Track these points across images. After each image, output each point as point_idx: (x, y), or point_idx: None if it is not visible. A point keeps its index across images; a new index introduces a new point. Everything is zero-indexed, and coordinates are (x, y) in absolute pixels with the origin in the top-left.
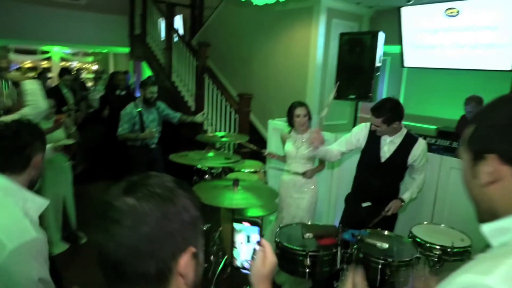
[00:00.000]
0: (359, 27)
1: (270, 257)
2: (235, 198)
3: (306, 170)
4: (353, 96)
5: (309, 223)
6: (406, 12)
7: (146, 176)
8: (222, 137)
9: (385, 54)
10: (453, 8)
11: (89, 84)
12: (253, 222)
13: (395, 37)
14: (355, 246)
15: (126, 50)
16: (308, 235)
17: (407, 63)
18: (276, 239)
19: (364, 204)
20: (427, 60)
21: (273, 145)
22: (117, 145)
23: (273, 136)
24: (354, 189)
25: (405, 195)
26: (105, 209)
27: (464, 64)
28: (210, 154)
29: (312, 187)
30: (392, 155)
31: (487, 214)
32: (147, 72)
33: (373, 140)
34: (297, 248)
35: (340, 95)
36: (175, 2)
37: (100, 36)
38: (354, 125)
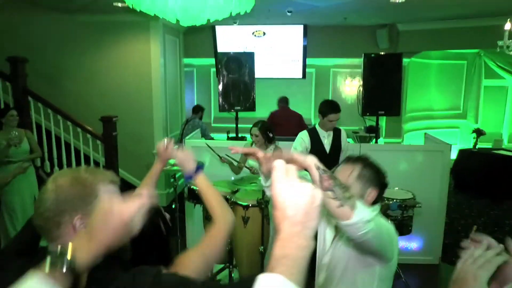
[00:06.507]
0: (178, 41)
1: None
2: None
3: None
4: (238, 108)
5: None
6: (220, 30)
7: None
8: (174, 165)
9: (191, 65)
10: (259, 30)
11: None
12: None
13: (201, 50)
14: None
15: None
16: None
17: None
18: None
19: None
20: None
21: None
22: None
23: None
24: None
25: None
26: None
27: (269, 74)
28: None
29: None
30: (332, 144)
31: None
32: None
33: (316, 140)
34: None
35: (226, 108)
36: None
37: None
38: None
